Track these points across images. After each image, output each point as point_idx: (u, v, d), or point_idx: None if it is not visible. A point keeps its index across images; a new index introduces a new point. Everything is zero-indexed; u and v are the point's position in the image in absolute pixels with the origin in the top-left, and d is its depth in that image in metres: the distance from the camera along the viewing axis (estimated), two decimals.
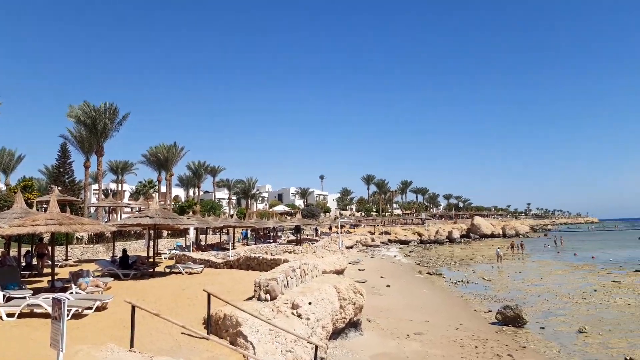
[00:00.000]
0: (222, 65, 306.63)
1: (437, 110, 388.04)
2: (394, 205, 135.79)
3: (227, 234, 45.87)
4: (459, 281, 31.61)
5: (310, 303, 11.30)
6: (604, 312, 21.01)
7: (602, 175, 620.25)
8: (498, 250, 48.43)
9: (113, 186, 75.48)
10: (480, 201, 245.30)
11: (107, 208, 41.15)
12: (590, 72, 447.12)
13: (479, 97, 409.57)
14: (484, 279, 33.05)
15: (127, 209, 59.92)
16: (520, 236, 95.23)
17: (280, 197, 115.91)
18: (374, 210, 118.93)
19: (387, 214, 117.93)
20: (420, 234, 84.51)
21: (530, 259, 50.15)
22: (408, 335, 16.30)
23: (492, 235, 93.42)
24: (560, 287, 28.37)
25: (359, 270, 35.35)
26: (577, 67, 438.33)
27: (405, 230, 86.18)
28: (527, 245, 68.68)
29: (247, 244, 40.77)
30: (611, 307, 22.21)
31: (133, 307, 7.43)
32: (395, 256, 53.46)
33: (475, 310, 22.04)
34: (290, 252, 26.88)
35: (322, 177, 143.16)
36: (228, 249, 32.02)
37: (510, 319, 18.64)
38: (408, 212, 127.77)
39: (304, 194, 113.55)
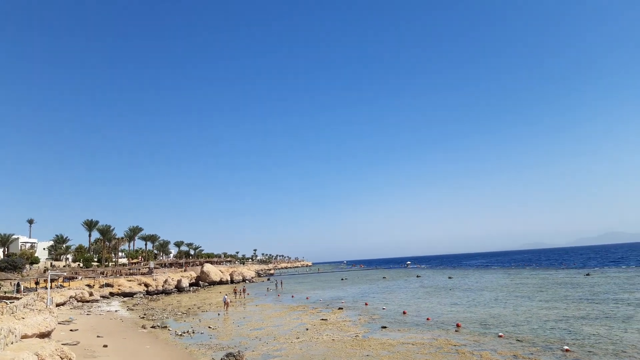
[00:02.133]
0: None
1: (154, 157, 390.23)
2: (120, 254, 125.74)
3: None
4: (184, 332, 30.68)
5: None
6: (313, 349, 23.29)
7: (318, 225, 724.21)
8: (225, 297, 49.64)
9: None
10: (212, 248, 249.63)
11: None
12: None
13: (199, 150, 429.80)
14: (210, 327, 32.97)
15: None
16: (247, 281, 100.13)
17: None
18: (96, 259, 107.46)
19: (111, 263, 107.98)
20: (147, 285, 79.82)
21: (254, 303, 52.79)
22: None
23: (221, 282, 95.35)
24: (279, 329, 30.47)
25: (71, 330, 30.83)
26: None
27: (130, 281, 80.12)
28: (252, 289, 72.75)
29: None
30: (319, 343, 24.83)
31: None
32: (116, 311, 48.86)
33: None
34: None
35: (30, 222, 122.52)
36: None
37: None
38: (135, 261, 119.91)
39: (4, 241, 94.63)
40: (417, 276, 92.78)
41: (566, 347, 20.41)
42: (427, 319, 32.18)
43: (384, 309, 39.63)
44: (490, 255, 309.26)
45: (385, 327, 29.00)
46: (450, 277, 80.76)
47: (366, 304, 44.25)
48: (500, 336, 24.17)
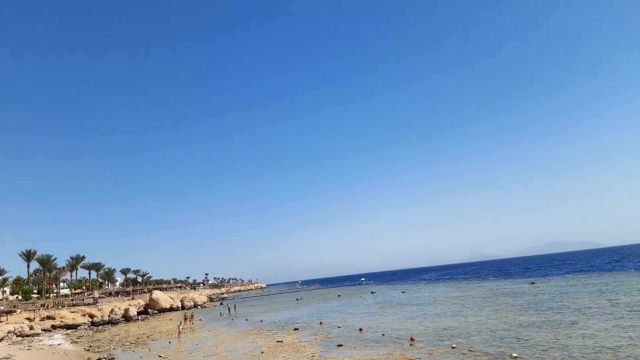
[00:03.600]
0: None
1: (96, 181, 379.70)
2: (62, 284, 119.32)
3: None
4: None
5: None
6: None
7: (271, 246, 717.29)
8: (178, 324, 48.33)
9: None
10: (161, 274, 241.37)
11: None
12: None
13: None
14: (160, 356, 31.70)
15: None
16: (198, 306, 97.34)
17: None
18: (36, 291, 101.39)
19: (52, 295, 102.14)
20: (92, 315, 75.90)
21: (206, 328, 51.36)
22: None
23: (172, 309, 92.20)
24: (233, 354, 29.73)
25: None
26: None
27: (74, 312, 75.98)
28: (205, 315, 70.88)
29: None
30: None
31: None
32: (60, 344, 46.09)
33: None
34: None
35: None
36: None
37: None
38: (79, 291, 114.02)
39: None
40: (372, 292, 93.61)
41: (515, 355, 21.08)
42: (383, 334, 32.38)
43: (339, 327, 39.59)
44: (440, 269, 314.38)
45: (341, 345, 28.94)
46: (403, 292, 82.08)
47: (321, 323, 44.06)
48: (453, 347, 24.65)
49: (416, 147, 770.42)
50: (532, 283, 71.52)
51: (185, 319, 60.90)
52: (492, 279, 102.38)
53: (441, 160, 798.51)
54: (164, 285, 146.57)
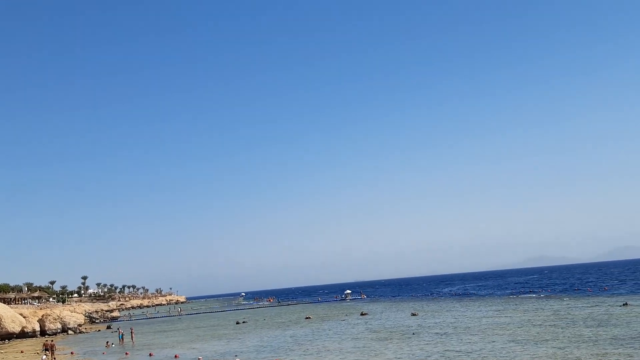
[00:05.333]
0: None
1: None
2: None
3: None
4: None
5: None
6: None
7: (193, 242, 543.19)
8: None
9: None
10: (7, 276, 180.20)
11: None
12: None
13: None
14: None
15: None
16: (70, 331, 69.73)
17: None
18: None
19: None
20: None
21: None
22: None
23: (24, 334, 63.14)
24: None
25: None
26: None
27: None
28: (80, 345, 46.88)
29: None
30: None
31: None
32: None
33: None
34: None
35: None
36: None
37: None
38: None
39: None
40: (362, 314, 64.05)
41: None
42: None
43: None
44: (476, 277, 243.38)
45: None
46: (414, 314, 57.03)
47: None
48: None
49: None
50: (625, 304, 50.21)
51: (46, 348, 38.54)
52: (558, 296, 74.16)
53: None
54: (12, 295, 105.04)
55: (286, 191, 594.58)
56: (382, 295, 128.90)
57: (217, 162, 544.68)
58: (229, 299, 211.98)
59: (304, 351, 32.47)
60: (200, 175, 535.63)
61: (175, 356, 33.96)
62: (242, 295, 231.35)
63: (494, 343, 29.99)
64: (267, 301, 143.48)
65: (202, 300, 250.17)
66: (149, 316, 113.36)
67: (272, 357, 30.16)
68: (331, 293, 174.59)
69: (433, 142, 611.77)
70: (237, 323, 65.16)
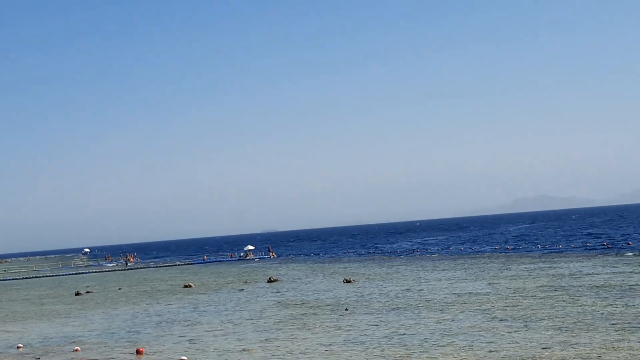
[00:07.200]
0: None
1: None
2: None
3: None
4: None
5: None
6: None
7: None
8: None
9: None
10: None
11: None
12: None
13: None
14: None
15: None
16: None
17: None
18: None
19: None
20: None
21: None
22: None
23: None
24: None
25: None
26: None
27: None
28: None
29: None
30: None
31: None
32: None
33: None
34: None
35: None
36: None
37: None
38: None
39: None
40: (271, 280, 47.56)
41: None
42: None
43: None
44: (445, 227, 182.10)
45: None
46: (348, 281, 42.55)
47: (140, 352, 16.16)
48: None
49: None
50: None
51: None
52: (560, 254, 53.64)
53: None
54: None
55: None
56: (301, 254, 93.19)
57: None
58: (65, 258, 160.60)
59: (177, 337, 21.52)
60: None
61: None
62: (86, 252, 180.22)
63: (462, 322, 20.88)
64: (124, 260, 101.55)
65: (22, 258, 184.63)
66: None
67: (127, 346, 19.98)
68: (225, 250, 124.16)
69: None
70: (78, 294, 45.62)
